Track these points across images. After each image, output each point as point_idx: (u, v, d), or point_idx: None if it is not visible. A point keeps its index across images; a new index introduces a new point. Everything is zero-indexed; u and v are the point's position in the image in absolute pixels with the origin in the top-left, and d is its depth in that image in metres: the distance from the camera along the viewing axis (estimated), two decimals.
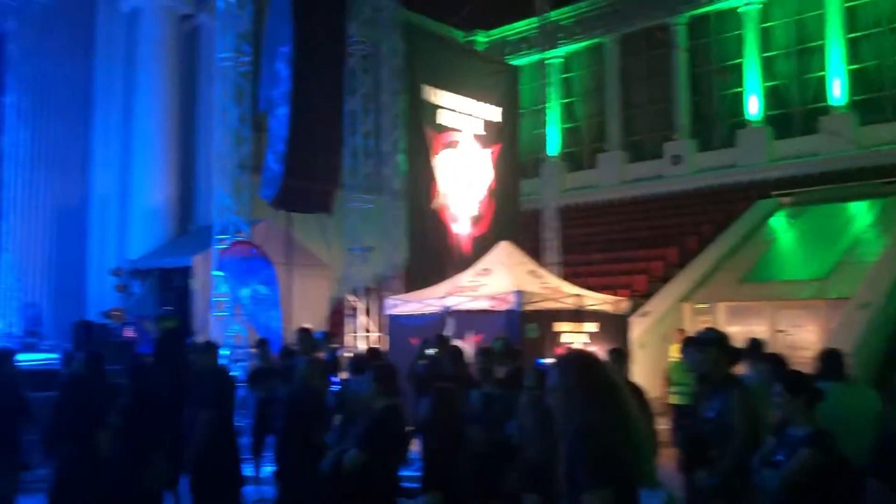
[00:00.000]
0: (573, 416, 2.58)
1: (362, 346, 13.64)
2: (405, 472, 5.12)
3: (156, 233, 15.89)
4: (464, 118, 15.27)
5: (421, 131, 14.62)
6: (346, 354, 13.26)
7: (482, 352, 6.89)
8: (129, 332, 13.33)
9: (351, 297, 14.28)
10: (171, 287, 14.68)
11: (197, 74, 16.76)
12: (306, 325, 10.12)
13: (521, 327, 9.75)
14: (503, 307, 9.96)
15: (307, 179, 12.52)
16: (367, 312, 14.33)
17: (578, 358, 2.83)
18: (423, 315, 10.76)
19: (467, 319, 10.18)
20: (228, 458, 6.37)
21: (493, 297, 10.17)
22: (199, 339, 12.51)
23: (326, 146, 12.82)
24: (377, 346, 12.47)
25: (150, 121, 16.14)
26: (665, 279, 16.33)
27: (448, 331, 9.91)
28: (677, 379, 10.15)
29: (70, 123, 16.48)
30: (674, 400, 10.36)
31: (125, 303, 14.72)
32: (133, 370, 6.84)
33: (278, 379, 7.56)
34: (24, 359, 9.49)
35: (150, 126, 16.12)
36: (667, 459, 5.41)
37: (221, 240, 12.17)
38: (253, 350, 10.22)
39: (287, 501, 5.99)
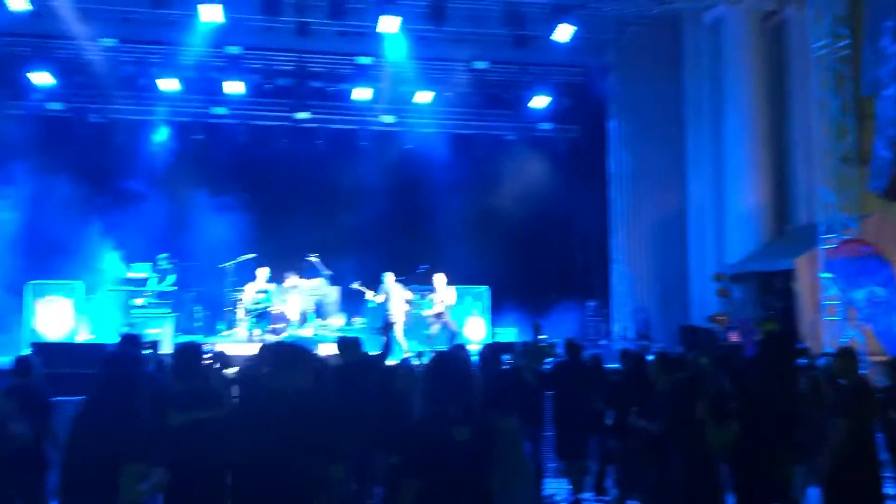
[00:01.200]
0: None
1: None
2: None
3: (752, 236, 15.75)
4: None
5: None
6: None
7: None
8: (733, 337, 13.46)
9: None
10: (772, 290, 14.37)
11: (786, 71, 16.17)
12: None
13: None
14: None
15: None
16: None
17: None
18: None
19: None
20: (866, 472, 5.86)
21: None
22: (809, 344, 11.98)
23: None
24: None
25: (739, 125, 16.13)
26: None
27: None
28: None
29: (665, 140, 17.55)
30: None
31: (727, 307, 14.93)
32: (735, 373, 6.80)
33: None
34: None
35: (739, 130, 16.11)
36: None
37: (827, 239, 11.48)
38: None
39: None
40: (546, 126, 18.23)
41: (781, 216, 16.05)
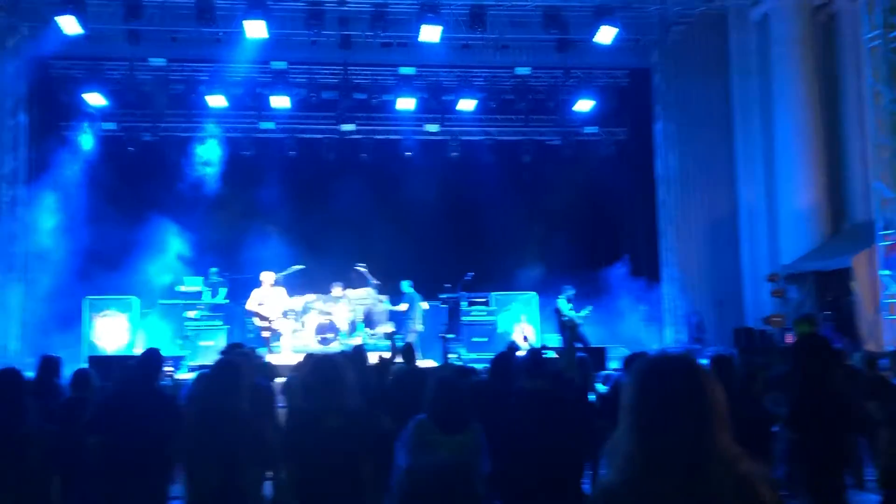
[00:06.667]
0: None
1: None
2: None
3: (806, 235, 15.35)
4: None
5: None
6: None
7: None
8: (789, 338, 13.11)
9: None
10: (829, 290, 13.97)
11: (838, 64, 15.76)
12: None
13: None
14: None
15: None
16: None
17: None
18: None
19: None
20: None
21: None
22: (869, 346, 11.60)
23: None
24: None
25: (790, 122, 15.76)
26: None
27: None
28: None
29: (713, 140, 17.26)
30: None
31: (783, 308, 14.57)
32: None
33: None
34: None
35: (789, 128, 15.75)
36: None
37: (885, 236, 11.12)
38: None
39: None
40: (592, 130, 18.06)
41: (837, 214, 15.62)
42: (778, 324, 13.77)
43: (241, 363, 4.54)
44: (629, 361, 6.58)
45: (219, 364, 4.50)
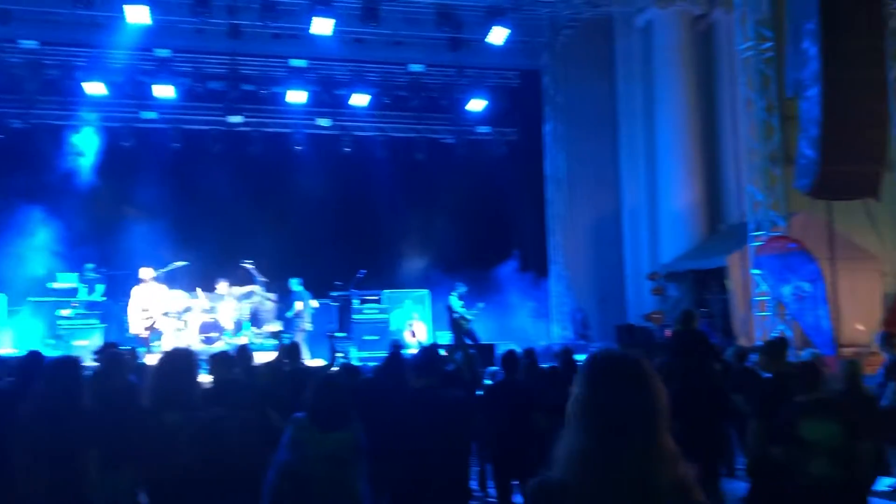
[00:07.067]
0: None
1: None
2: None
3: (685, 235, 16.07)
4: None
5: None
6: None
7: None
8: (668, 334, 13.67)
9: None
10: (705, 288, 14.66)
11: (715, 72, 16.57)
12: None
13: None
14: None
15: (847, 162, 11.25)
16: None
17: None
18: None
19: None
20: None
21: None
22: (741, 341, 12.24)
23: (868, 122, 11.36)
24: None
25: (670, 127, 16.45)
26: None
27: None
28: None
29: (599, 142, 17.81)
30: None
31: (663, 305, 15.17)
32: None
33: None
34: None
35: (669, 132, 16.43)
36: None
37: (756, 237, 11.75)
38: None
39: None
40: (484, 129, 18.28)
41: (714, 215, 16.43)
42: (657, 320, 14.33)
43: (80, 359, 4.49)
44: (505, 360, 6.70)
45: (60, 360, 4.47)
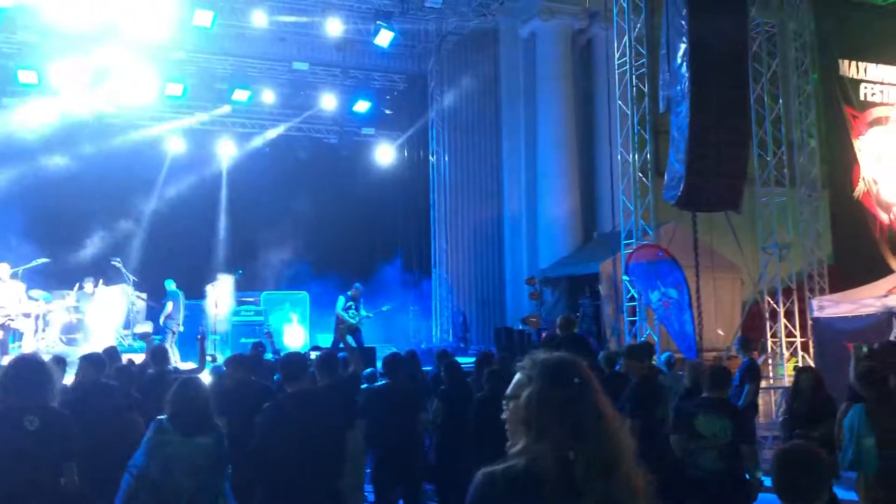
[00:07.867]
0: None
1: (786, 352, 12.64)
2: None
3: (562, 242, 16.56)
4: (894, 90, 13.34)
5: (839, 112, 13.16)
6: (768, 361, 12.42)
7: None
8: (544, 337, 14.02)
9: (768, 300, 13.31)
10: (580, 293, 15.14)
11: (594, 86, 17.16)
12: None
13: None
14: None
15: (711, 176, 11.94)
16: (787, 315, 13.21)
17: None
18: (860, 317, 9.57)
19: None
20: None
21: None
22: (612, 345, 12.72)
23: (731, 140, 12.07)
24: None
25: (550, 136, 16.91)
26: None
27: None
28: None
29: (483, 148, 18.08)
30: None
31: (539, 309, 15.56)
32: None
33: None
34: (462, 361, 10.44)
35: (550, 142, 16.88)
36: None
37: (627, 245, 12.24)
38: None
39: None
40: (369, 131, 18.21)
41: (589, 224, 17.01)
42: (534, 324, 14.67)
43: None
44: (386, 363, 6.72)
45: None
